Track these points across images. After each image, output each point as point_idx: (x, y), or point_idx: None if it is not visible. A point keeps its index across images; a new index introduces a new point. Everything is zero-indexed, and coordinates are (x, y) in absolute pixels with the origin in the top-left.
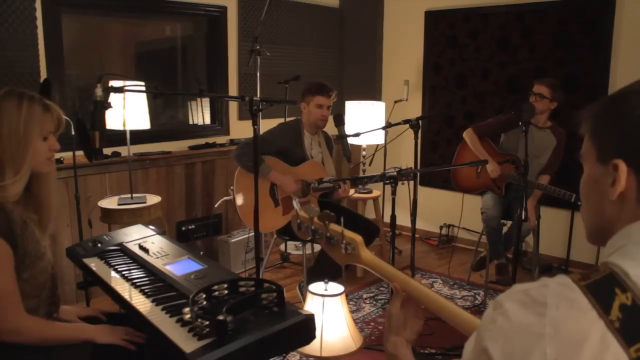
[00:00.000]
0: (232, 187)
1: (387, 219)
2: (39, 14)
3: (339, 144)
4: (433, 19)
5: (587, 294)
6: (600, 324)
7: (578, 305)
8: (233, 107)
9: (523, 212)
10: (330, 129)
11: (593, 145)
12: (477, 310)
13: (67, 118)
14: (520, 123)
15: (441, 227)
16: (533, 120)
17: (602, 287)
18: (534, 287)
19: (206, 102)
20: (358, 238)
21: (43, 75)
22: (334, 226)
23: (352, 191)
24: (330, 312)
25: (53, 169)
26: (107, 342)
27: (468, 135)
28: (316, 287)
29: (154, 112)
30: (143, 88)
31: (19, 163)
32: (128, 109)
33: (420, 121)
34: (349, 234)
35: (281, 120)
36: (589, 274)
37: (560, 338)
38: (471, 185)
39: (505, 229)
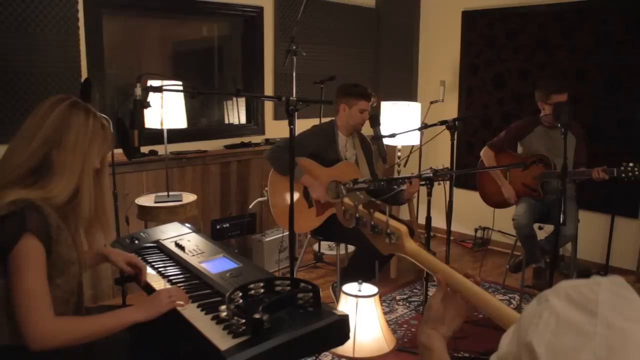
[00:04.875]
0: (266, 189)
1: (421, 220)
2: (80, 15)
3: (374, 144)
4: (470, 19)
5: None
6: None
7: (635, 306)
8: (268, 106)
9: (562, 216)
10: (366, 129)
11: None
12: None
13: (106, 117)
14: (559, 125)
15: (476, 230)
16: (545, 122)
17: None
18: (585, 284)
19: (242, 101)
20: (403, 228)
21: (84, 74)
22: (378, 215)
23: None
24: (364, 313)
25: (103, 183)
26: (152, 317)
27: (485, 155)
28: (350, 287)
29: (191, 112)
30: (181, 88)
31: (74, 175)
32: (166, 108)
33: (457, 122)
34: (393, 223)
35: (316, 120)
36: None
37: (613, 340)
38: (502, 199)
39: (544, 234)
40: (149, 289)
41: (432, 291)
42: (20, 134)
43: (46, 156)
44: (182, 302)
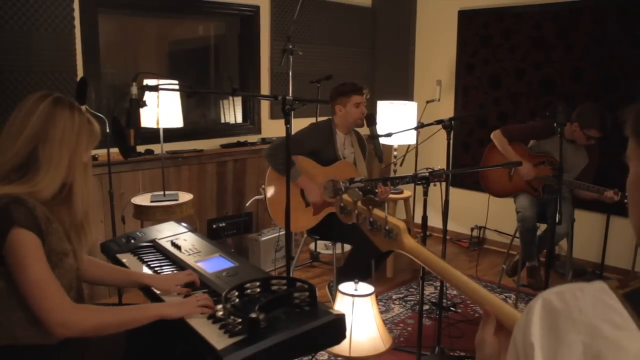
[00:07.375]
0: (263, 186)
1: (417, 219)
2: (76, 14)
3: (370, 144)
4: (466, 18)
5: (625, 302)
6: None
7: (616, 313)
8: (265, 106)
9: (557, 215)
10: (362, 129)
11: (637, 144)
12: None
13: (102, 116)
14: (555, 125)
15: (472, 229)
16: (571, 137)
17: None
18: (568, 290)
19: (238, 100)
20: (401, 224)
21: (80, 73)
22: (377, 211)
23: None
24: (360, 312)
25: (89, 177)
26: (179, 316)
27: (496, 137)
28: (346, 287)
29: (187, 111)
30: (177, 87)
31: (60, 169)
32: (162, 108)
33: (452, 122)
34: (392, 219)
35: (312, 119)
36: (627, 282)
37: (599, 346)
38: (504, 189)
39: (538, 232)
40: (145, 289)
41: (428, 290)
42: (5, 132)
43: (32, 152)
44: (209, 309)
